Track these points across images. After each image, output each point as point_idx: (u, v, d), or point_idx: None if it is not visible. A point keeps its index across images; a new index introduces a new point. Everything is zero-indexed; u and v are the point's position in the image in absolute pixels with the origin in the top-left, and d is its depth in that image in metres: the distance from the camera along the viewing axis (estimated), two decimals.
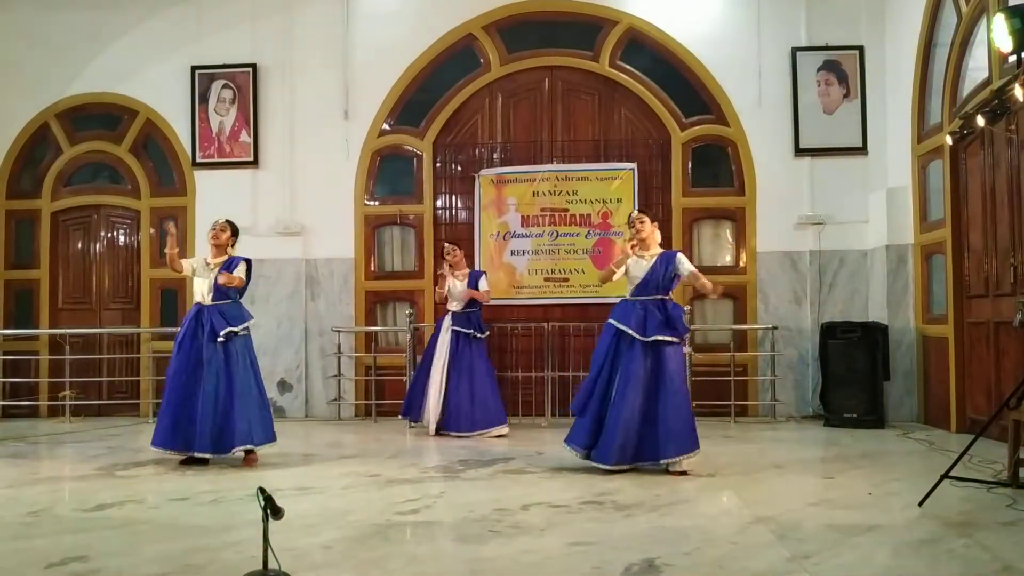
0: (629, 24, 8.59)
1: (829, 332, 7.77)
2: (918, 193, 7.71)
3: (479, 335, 7.41)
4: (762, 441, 7.05)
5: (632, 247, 5.66)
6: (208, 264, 6.01)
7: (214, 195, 8.81)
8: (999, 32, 5.29)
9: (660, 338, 5.40)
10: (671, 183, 8.56)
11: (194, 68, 8.85)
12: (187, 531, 4.18)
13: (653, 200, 8.58)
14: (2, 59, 9.08)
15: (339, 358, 8.53)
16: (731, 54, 8.49)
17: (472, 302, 7.44)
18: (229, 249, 6.09)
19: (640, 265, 5.63)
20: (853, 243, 8.31)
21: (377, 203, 8.88)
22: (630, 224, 5.78)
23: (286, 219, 8.75)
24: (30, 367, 8.90)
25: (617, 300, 5.77)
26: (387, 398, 8.44)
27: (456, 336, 7.35)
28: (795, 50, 8.41)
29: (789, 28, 8.45)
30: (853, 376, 7.52)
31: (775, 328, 8.19)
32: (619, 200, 8.44)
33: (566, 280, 8.51)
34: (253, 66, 8.81)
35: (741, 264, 8.52)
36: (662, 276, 5.56)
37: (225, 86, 8.85)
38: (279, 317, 8.70)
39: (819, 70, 8.39)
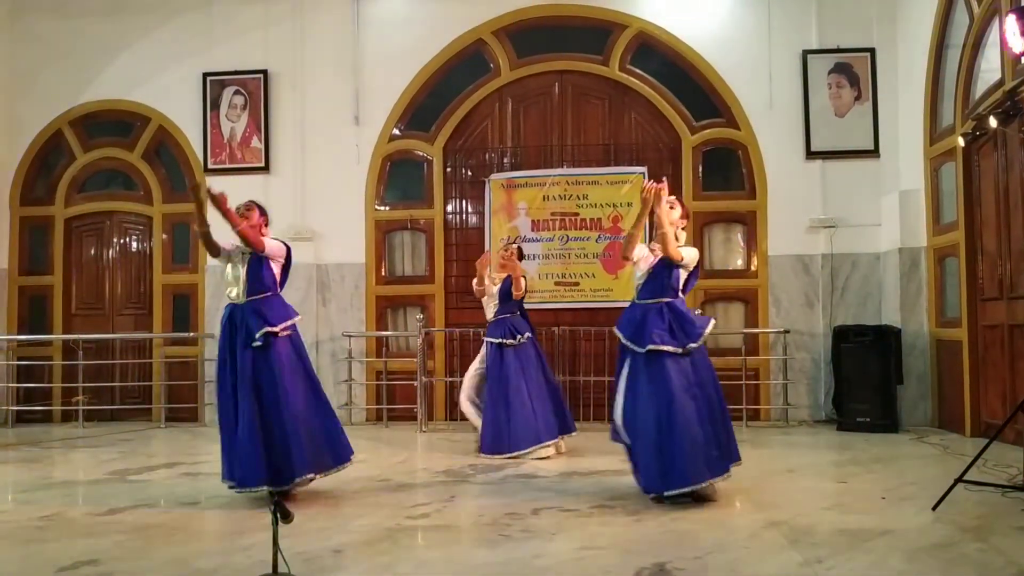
0: (639, 28, 8.58)
1: (842, 336, 7.72)
2: (930, 195, 7.66)
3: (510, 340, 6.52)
4: (774, 445, 7.01)
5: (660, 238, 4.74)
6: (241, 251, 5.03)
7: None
8: (1011, 33, 5.27)
9: (661, 348, 4.63)
10: (682, 187, 8.53)
11: (206, 75, 8.90)
12: (198, 535, 4.19)
13: None
14: (16, 67, 9.16)
15: (350, 363, 8.55)
16: (741, 57, 8.47)
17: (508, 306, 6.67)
18: (265, 229, 5.16)
19: (648, 259, 4.86)
20: (865, 246, 8.26)
21: (388, 208, 8.90)
22: (671, 205, 4.81)
23: (297, 224, 8.77)
24: (44, 372, 8.96)
25: (628, 304, 5.52)
26: (398, 403, 8.45)
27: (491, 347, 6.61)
28: (806, 52, 8.38)
29: (800, 31, 8.42)
30: (866, 380, 7.47)
31: (787, 332, 8.15)
32: (629, 204, 8.42)
33: (576, 284, 8.50)
34: (264, 72, 8.85)
35: (752, 268, 8.49)
36: (669, 273, 4.80)
37: (236, 92, 8.89)
38: None
39: (830, 73, 8.36)
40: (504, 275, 6.76)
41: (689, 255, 4.84)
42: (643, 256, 4.86)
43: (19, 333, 9.08)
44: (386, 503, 4.93)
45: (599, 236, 8.47)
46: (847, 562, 3.54)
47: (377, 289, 8.79)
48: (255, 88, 8.87)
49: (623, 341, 4.79)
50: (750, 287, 8.46)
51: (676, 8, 8.57)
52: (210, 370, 8.75)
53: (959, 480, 4.39)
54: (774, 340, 8.30)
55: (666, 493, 4.55)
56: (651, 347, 4.64)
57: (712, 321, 4.91)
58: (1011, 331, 6.40)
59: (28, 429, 8.46)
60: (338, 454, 4.99)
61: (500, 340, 6.53)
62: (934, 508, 4.33)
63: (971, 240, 6.98)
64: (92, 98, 9.13)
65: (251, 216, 5.09)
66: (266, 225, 5.22)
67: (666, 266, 4.78)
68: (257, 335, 4.79)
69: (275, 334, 4.83)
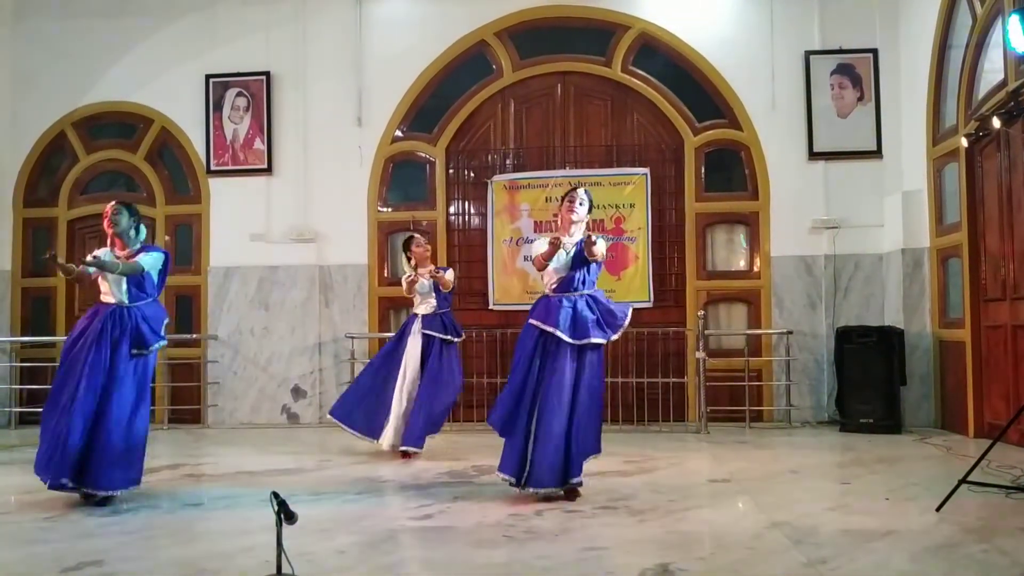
0: (641, 29, 8.58)
1: (845, 337, 7.71)
2: (933, 196, 7.65)
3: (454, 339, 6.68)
4: (777, 446, 7.00)
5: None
6: (118, 257, 5.08)
7: (229, 203, 8.88)
8: (1015, 33, 5.27)
9: (590, 341, 4.79)
10: (684, 188, 8.54)
11: (208, 76, 8.91)
12: (201, 536, 4.20)
13: (666, 205, 8.56)
14: (19, 69, 9.18)
15: (352, 364, 8.54)
16: (744, 58, 8.47)
17: (443, 301, 6.73)
18: (132, 234, 5.13)
19: (560, 256, 4.96)
20: (868, 247, 8.25)
21: (390, 209, 8.90)
22: (580, 202, 5.08)
23: (300, 226, 8.78)
24: (47, 374, 8.92)
25: (633, 304, 5.57)
26: None
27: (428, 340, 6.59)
28: (808, 53, 8.37)
29: (802, 31, 8.41)
30: (869, 381, 7.46)
31: (790, 333, 8.14)
32: (632, 205, 8.42)
33: None
34: (267, 74, 8.86)
35: (755, 269, 8.48)
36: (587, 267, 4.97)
37: (239, 94, 8.90)
38: (293, 323, 8.74)
39: (833, 73, 8.35)
40: (428, 268, 6.80)
41: (603, 250, 5.02)
42: (543, 251, 4.93)
43: (22, 335, 9.09)
44: (389, 504, 4.94)
45: (601, 237, 8.44)
46: (851, 563, 3.53)
47: (380, 290, 8.79)
48: (258, 89, 8.88)
49: (561, 336, 4.77)
50: (753, 288, 8.45)
51: (678, 9, 8.57)
52: (213, 371, 8.80)
53: (963, 481, 4.38)
54: (777, 341, 8.29)
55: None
56: (589, 340, 4.79)
57: (631, 308, 5.06)
58: (1014, 332, 6.39)
59: (31, 430, 8.44)
60: (136, 475, 4.92)
61: (448, 337, 6.61)
62: (938, 509, 4.33)
63: (974, 241, 6.97)
64: (95, 99, 9.13)
65: (119, 221, 5.06)
66: (135, 229, 5.14)
67: (584, 261, 4.93)
68: (153, 347, 4.97)
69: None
